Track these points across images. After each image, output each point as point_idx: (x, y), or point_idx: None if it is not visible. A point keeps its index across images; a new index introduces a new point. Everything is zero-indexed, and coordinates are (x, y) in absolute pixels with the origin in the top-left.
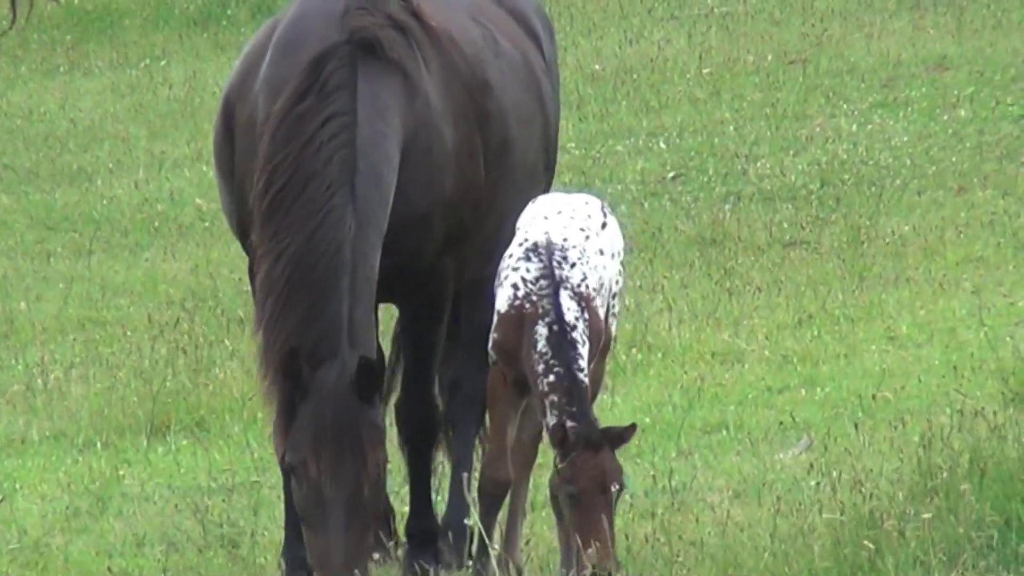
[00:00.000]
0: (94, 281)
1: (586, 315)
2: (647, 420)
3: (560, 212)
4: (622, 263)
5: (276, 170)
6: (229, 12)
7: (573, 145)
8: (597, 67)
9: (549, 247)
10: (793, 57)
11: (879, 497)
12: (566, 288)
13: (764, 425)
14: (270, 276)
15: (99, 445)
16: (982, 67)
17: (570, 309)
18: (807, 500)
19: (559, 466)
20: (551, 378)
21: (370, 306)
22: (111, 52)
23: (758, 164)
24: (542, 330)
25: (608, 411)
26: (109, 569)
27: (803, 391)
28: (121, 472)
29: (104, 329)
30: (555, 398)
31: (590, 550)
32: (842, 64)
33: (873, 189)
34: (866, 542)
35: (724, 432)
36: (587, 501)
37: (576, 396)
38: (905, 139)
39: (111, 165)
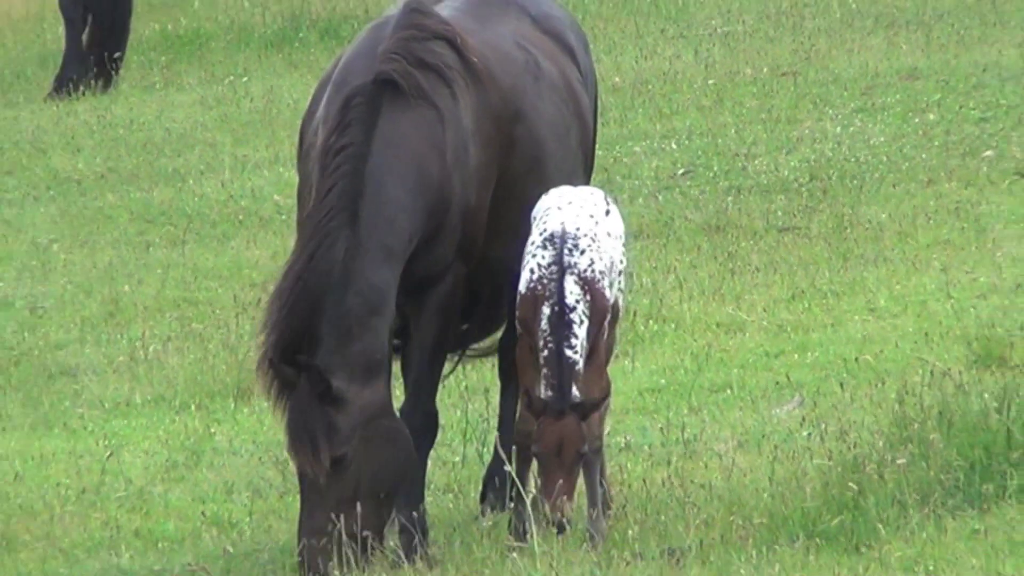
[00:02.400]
0: (187, 267)
1: (588, 297)
2: (662, 381)
3: (571, 203)
4: (624, 245)
5: (310, 197)
6: (301, 35)
7: (597, 147)
8: (617, 80)
9: (563, 236)
10: (785, 70)
11: (861, 446)
12: (572, 273)
13: (763, 385)
14: (279, 288)
15: (193, 407)
16: (947, 77)
17: (572, 292)
18: (800, 449)
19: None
20: (545, 353)
21: (370, 314)
22: (200, 70)
23: (756, 162)
24: (546, 310)
25: (628, 375)
26: (203, 513)
27: (796, 355)
28: (212, 430)
29: (196, 308)
30: (545, 371)
31: (546, 503)
32: (827, 75)
33: (855, 182)
34: (851, 484)
35: (729, 391)
36: (545, 462)
37: (558, 370)
38: (882, 139)
39: (201, 167)
